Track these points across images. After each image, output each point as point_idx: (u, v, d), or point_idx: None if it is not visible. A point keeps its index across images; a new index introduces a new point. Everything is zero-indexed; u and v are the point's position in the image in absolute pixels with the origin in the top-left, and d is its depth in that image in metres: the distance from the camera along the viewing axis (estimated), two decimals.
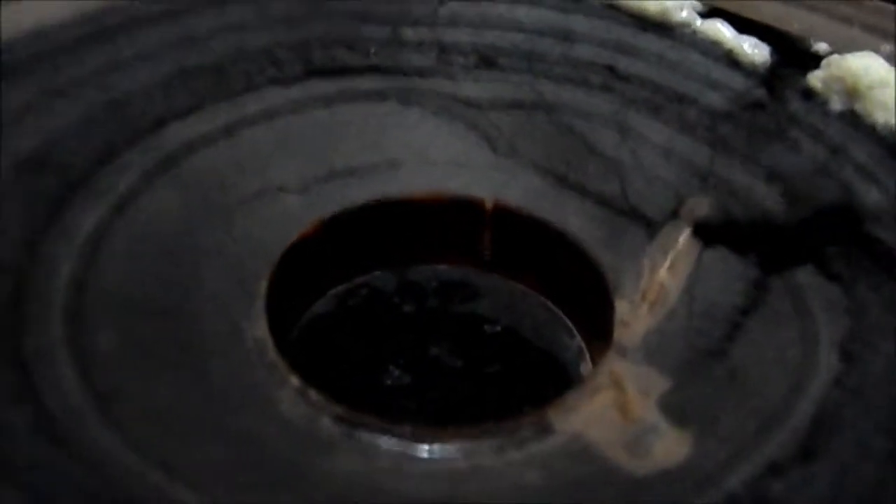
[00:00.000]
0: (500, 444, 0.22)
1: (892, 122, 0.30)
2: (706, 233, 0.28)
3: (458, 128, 0.31)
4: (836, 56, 0.31)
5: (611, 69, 0.32)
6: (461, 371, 0.28)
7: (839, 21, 0.33)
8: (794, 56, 0.32)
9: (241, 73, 0.31)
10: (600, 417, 0.23)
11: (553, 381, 0.28)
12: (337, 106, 0.31)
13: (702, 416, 0.23)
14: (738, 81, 0.32)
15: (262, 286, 0.25)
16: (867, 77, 0.30)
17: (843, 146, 0.29)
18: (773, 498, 0.21)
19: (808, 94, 0.31)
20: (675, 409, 0.23)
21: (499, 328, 0.29)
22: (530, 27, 0.33)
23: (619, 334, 0.25)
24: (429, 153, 0.30)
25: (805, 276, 0.26)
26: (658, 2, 0.33)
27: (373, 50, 0.32)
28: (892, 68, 0.30)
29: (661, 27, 0.33)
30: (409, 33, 0.33)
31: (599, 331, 0.27)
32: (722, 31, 0.33)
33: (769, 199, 0.28)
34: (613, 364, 0.25)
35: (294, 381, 0.23)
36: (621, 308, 0.26)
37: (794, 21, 0.33)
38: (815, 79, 0.31)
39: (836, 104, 0.30)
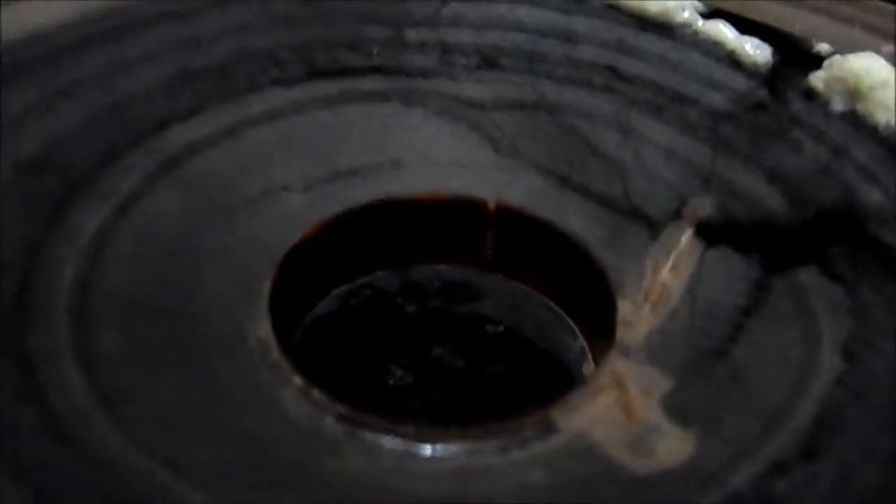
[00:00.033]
0: (503, 443, 0.23)
1: (894, 122, 0.30)
2: (708, 233, 0.28)
3: (461, 128, 0.31)
4: (837, 57, 0.31)
5: (613, 70, 0.32)
6: (463, 371, 0.28)
7: (841, 22, 0.33)
8: (795, 57, 0.32)
9: (244, 75, 0.31)
10: (603, 417, 0.23)
11: (555, 381, 0.28)
12: (339, 107, 0.31)
13: (704, 416, 0.23)
14: (739, 82, 0.32)
15: (266, 286, 0.25)
16: (869, 78, 0.30)
17: (844, 147, 0.29)
18: (777, 497, 0.21)
19: (810, 95, 0.31)
20: (678, 409, 0.23)
21: (501, 328, 0.29)
22: (532, 28, 0.33)
23: (622, 334, 0.25)
24: (431, 154, 0.30)
25: (807, 276, 0.26)
26: (659, 2, 0.33)
27: (375, 51, 0.32)
28: (894, 69, 0.30)
29: (662, 28, 0.33)
30: (411, 34, 0.33)
31: (602, 331, 0.27)
32: (724, 31, 0.33)
33: (771, 199, 0.28)
34: (616, 364, 0.25)
35: (297, 381, 0.23)
36: (624, 308, 0.26)
37: (795, 22, 0.33)
38: (817, 79, 0.31)
39: (838, 105, 0.30)
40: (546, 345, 0.29)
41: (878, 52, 0.31)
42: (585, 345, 0.28)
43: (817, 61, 0.31)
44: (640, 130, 0.30)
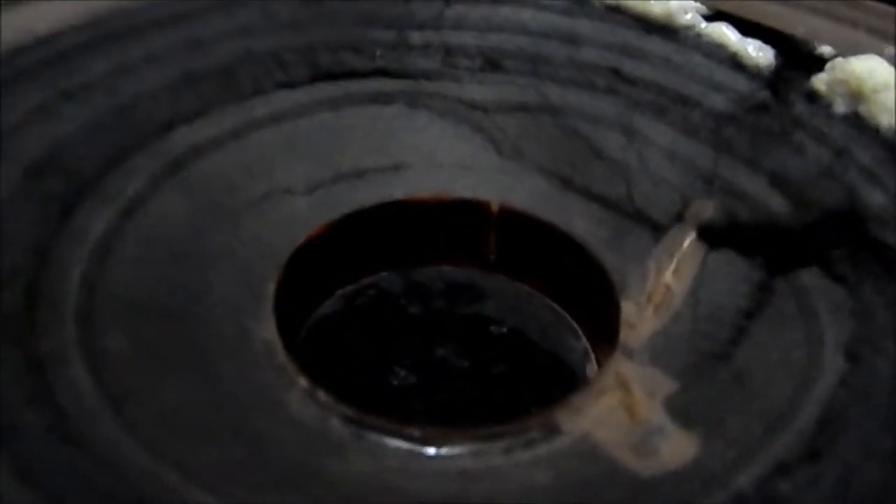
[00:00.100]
0: (508, 444, 0.23)
1: None
2: (711, 235, 0.28)
3: (464, 130, 0.31)
4: (840, 59, 0.31)
5: (616, 72, 0.32)
6: (467, 372, 0.28)
7: (843, 24, 0.33)
8: (798, 59, 0.32)
9: (248, 77, 0.31)
10: (607, 418, 0.23)
11: (559, 382, 0.28)
12: (343, 109, 0.31)
13: (708, 418, 0.23)
14: (742, 84, 0.32)
15: (270, 288, 0.26)
16: (871, 80, 0.30)
17: (847, 149, 0.29)
18: (780, 498, 0.21)
19: (813, 97, 0.31)
20: (682, 411, 0.23)
21: (505, 329, 0.29)
22: (535, 30, 0.33)
23: (625, 336, 0.25)
24: (435, 156, 0.30)
25: (810, 278, 0.26)
26: (663, 5, 0.33)
27: (379, 53, 0.32)
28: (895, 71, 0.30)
29: (665, 30, 0.33)
30: (414, 36, 0.33)
31: (605, 333, 0.27)
32: (726, 33, 0.33)
33: (773, 201, 0.28)
34: (619, 366, 0.25)
35: (303, 382, 0.24)
36: (627, 310, 0.26)
37: (798, 24, 0.33)
38: (820, 82, 0.31)
39: (840, 107, 0.30)
40: (549, 346, 0.29)
41: (880, 54, 0.31)
42: (588, 346, 0.28)
43: (820, 63, 0.31)
44: (643, 132, 0.31)
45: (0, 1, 0.31)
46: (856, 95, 0.30)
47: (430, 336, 0.29)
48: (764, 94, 0.31)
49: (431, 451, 0.22)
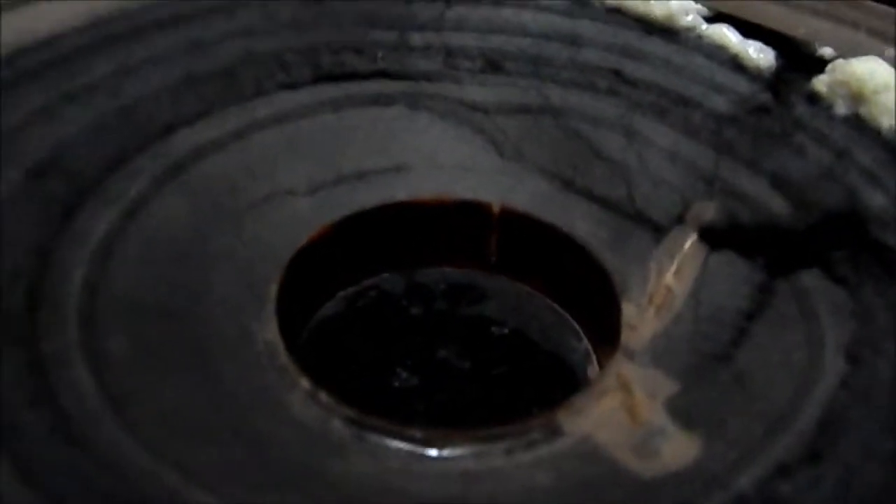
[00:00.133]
0: (509, 445, 0.23)
1: None
2: (712, 237, 0.28)
3: (465, 132, 0.31)
4: (840, 60, 0.31)
5: (617, 73, 0.32)
6: (468, 373, 0.28)
7: (844, 26, 0.33)
8: (799, 60, 0.32)
9: (250, 78, 0.31)
10: (608, 420, 0.23)
11: (560, 383, 0.28)
12: (345, 110, 0.31)
13: (709, 419, 0.23)
14: (743, 85, 0.32)
15: (272, 289, 0.26)
16: (872, 81, 0.30)
17: (847, 150, 0.29)
18: (781, 499, 0.21)
19: (813, 99, 0.31)
20: (683, 412, 0.23)
21: (506, 330, 0.29)
22: (536, 31, 0.33)
23: (626, 337, 0.26)
24: (436, 157, 0.30)
25: (811, 279, 0.26)
26: (664, 6, 0.33)
27: (380, 54, 0.32)
28: None
29: (666, 31, 0.33)
30: (416, 38, 0.33)
31: (606, 334, 0.27)
32: (727, 35, 0.33)
33: (774, 203, 0.28)
34: (621, 367, 0.25)
35: (304, 383, 0.24)
36: (628, 311, 0.26)
37: (799, 25, 0.33)
38: (820, 83, 0.31)
39: (841, 108, 0.30)
40: (550, 347, 0.29)
41: (881, 55, 0.31)
42: (590, 347, 0.28)
43: (820, 65, 0.32)
44: (643, 134, 0.31)
45: (1, 2, 0.31)
46: (856, 97, 0.30)
47: (432, 337, 0.29)
48: (765, 96, 0.31)
49: (433, 452, 0.23)
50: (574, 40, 0.33)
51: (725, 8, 0.34)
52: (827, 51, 0.32)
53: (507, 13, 0.34)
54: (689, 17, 0.33)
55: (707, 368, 0.25)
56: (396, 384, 0.28)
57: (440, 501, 0.22)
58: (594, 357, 0.28)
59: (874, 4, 0.34)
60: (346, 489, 0.22)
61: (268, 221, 0.28)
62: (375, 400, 0.26)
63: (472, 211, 0.29)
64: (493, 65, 0.33)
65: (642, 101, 0.31)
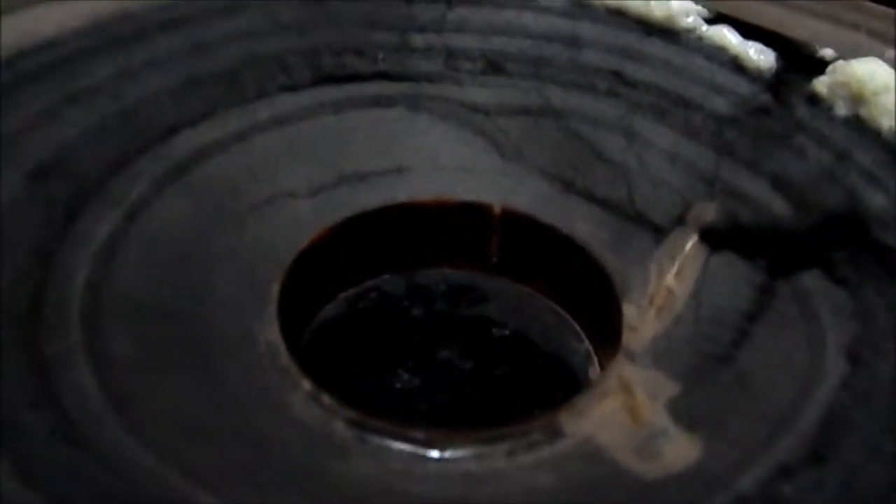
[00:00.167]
0: (510, 447, 0.23)
1: None
2: (713, 238, 0.28)
3: (466, 133, 0.31)
4: (841, 62, 0.31)
5: (617, 75, 0.32)
6: (470, 374, 0.28)
7: (844, 27, 0.33)
8: (799, 62, 0.32)
9: (252, 80, 0.31)
10: (610, 421, 0.23)
11: (561, 384, 0.28)
12: (346, 112, 0.31)
13: (711, 420, 0.23)
14: (743, 87, 0.32)
15: (274, 290, 0.26)
16: (872, 83, 0.30)
17: (848, 151, 0.29)
18: (783, 500, 0.21)
19: (814, 100, 0.31)
20: (684, 413, 0.24)
21: (507, 332, 0.29)
22: (537, 33, 0.33)
23: (627, 339, 0.26)
24: (437, 158, 0.30)
25: (812, 280, 0.26)
26: (664, 8, 0.34)
27: (381, 56, 0.32)
28: None
29: (667, 33, 0.33)
30: (416, 39, 0.33)
31: (607, 335, 0.27)
32: (727, 36, 0.33)
33: (775, 204, 0.28)
34: (622, 368, 0.25)
35: (306, 384, 0.24)
36: (629, 313, 0.26)
37: (799, 27, 0.33)
38: (821, 84, 0.31)
39: (842, 109, 0.30)
40: (552, 348, 0.29)
41: (881, 57, 0.31)
42: (591, 349, 0.28)
43: (821, 66, 0.32)
44: (644, 135, 0.31)
45: (1, 4, 0.31)
46: (857, 98, 0.30)
47: (433, 338, 0.29)
48: (765, 97, 0.31)
49: (435, 453, 0.23)
50: (575, 42, 0.33)
51: (726, 9, 0.34)
52: (827, 52, 0.32)
53: (508, 15, 0.34)
54: (690, 19, 0.33)
55: (708, 369, 0.25)
56: (398, 385, 0.28)
57: (442, 503, 0.22)
58: (595, 358, 0.28)
59: (874, 6, 0.34)
60: (348, 490, 0.22)
61: (269, 223, 0.28)
62: (377, 401, 0.26)
63: (472, 212, 0.29)
64: (493, 66, 0.33)
65: (643, 103, 0.31)
